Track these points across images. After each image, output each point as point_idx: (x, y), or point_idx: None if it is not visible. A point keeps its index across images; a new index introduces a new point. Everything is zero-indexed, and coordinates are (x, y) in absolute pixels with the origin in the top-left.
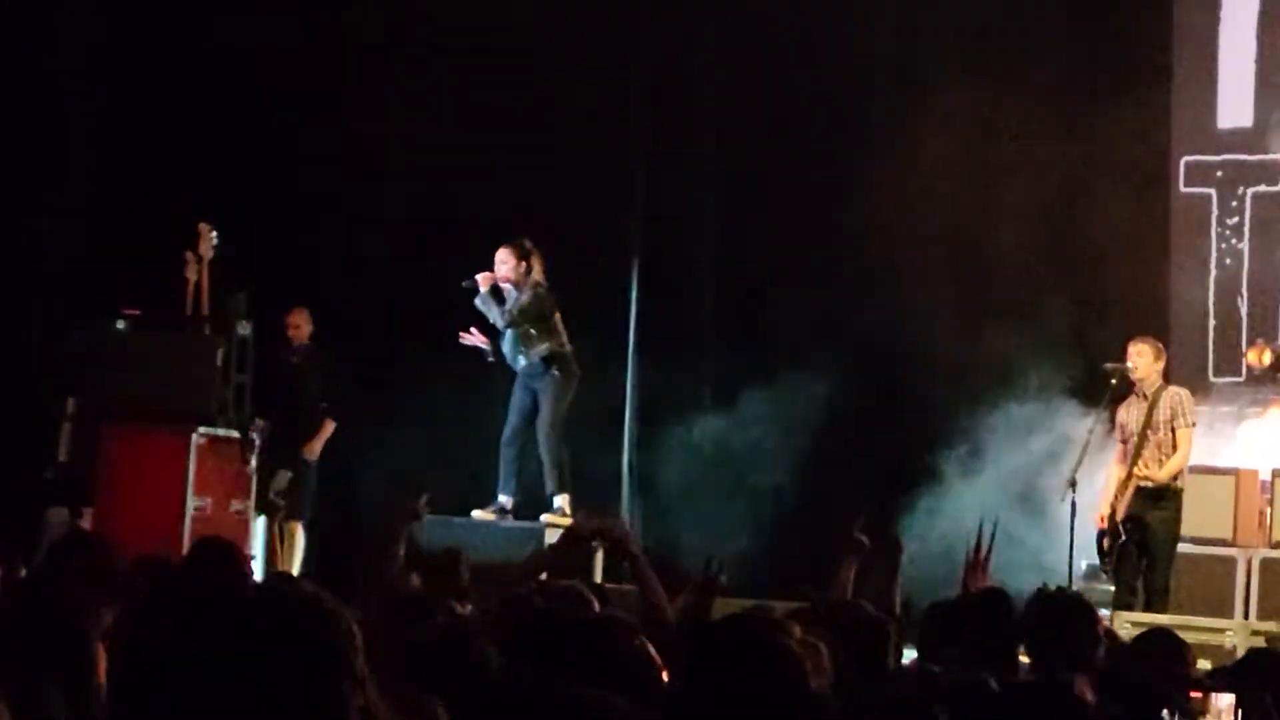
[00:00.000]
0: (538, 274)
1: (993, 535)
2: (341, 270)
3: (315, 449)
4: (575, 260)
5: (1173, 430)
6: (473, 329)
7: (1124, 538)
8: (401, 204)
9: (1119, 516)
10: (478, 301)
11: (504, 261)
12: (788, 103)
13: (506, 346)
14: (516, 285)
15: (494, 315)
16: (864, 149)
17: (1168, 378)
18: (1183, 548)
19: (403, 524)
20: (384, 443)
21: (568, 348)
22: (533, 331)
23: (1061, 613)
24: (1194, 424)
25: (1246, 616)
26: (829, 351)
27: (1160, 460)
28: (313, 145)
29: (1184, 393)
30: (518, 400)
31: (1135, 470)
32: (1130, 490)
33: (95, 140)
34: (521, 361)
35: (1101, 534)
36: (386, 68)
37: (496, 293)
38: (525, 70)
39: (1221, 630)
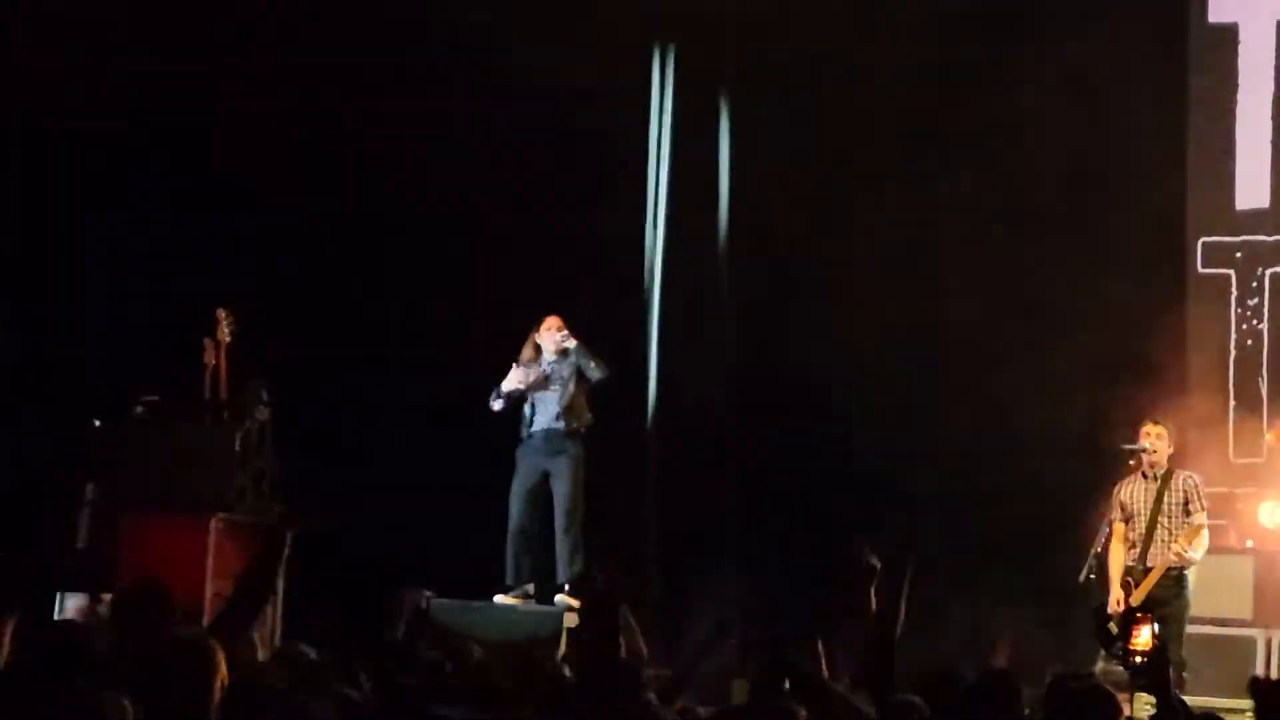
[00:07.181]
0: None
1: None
2: (357, 351)
3: None
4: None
5: (1187, 513)
6: None
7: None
8: (419, 282)
9: (1134, 602)
10: (546, 366)
11: (560, 328)
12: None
13: (541, 406)
14: (566, 351)
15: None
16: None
17: (1179, 459)
18: (1203, 629)
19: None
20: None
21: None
22: (582, 399)
23: (1082, 702)
24: (1207, 507)
25: None
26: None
27: (1178, 543)
28: (327, 227)
29: (1196, 477)
30: (524, 484)
31: (1169, 553)
32: (1157, 574)
33: (112, 227)
34: (552, 425)
35: (1105, 618)
36: (397, 150)
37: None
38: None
39: (1242, 712)
